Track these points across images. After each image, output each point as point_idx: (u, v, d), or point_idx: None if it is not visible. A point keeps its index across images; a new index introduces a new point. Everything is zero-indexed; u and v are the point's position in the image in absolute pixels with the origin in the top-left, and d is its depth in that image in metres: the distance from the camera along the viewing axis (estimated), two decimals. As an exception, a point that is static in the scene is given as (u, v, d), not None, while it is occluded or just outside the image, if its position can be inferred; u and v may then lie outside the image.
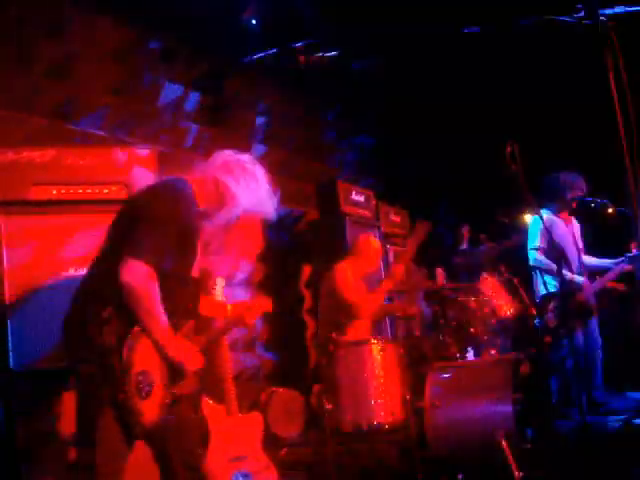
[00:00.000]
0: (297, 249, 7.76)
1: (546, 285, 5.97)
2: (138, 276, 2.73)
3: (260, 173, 3.22)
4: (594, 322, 5.98)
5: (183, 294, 3.04)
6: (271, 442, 5.16)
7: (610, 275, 5.89)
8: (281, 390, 6.36)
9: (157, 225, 2.82)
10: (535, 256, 5.98)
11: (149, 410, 2.73)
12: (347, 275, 5.43)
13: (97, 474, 2.75)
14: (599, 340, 6.10)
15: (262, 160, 7.45)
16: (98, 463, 2.75)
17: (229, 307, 3.65)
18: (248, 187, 3.10)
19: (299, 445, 5.89)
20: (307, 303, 7.65)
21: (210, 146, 6.70)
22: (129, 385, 2.64)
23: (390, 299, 5.95)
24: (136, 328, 2.73)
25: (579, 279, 5.77)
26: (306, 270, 7.76)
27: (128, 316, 2.73)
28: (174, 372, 2.88)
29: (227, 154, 3.21)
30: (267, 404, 6.08)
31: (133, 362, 2.68)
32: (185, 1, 5.47)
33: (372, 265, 5.68)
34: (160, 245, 2.81)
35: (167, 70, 6.26)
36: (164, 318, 2.80)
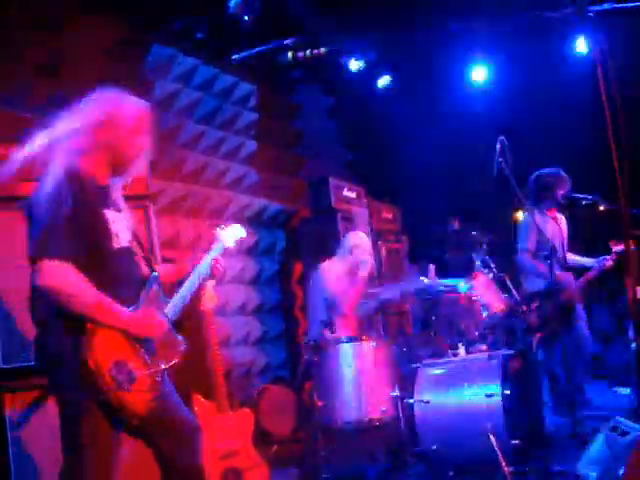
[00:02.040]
0: (289, 246, 7.77)
1: (529, 284, 6.00)
2: (50, 275, 2.58)
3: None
4: (581, 319, 6.00)
5: (125, 267, 2.88)
6: (262, 439, 5.17)
7: (593, 272, 5.93)
8: (272, 387, 6.38)
9: (45, 220, 2.65)
10: (522, 258, 5.98)
11: (140, 398, 2.66)
12: (331, 271, 5.45)
13: (88, 478, 2.69)
14: (587, 337, 6.13)
15: (254, 157, 7.53)
16: (88, 467, 2.67)
17: (189, 263, 3.42)
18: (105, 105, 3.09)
19: (290, 442, 5.90)
20: (299, 300, 7.66)
21: (201, 143, 6.72)
22: (106, 384, 2.57)
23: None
24: (87, 325, 2.62)
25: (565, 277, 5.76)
26: (298, 267, 7.77)
27: (72, 318, 2.62)
28: (150, 347, 2.78)
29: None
30: (258, 401, 6.09)
31: (99, 360, 2.59)
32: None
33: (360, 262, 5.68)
34: (55, 237, 2.62)
35: (159, 67, 6.26)
36: (108, 301, 2.67)
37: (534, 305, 5.30)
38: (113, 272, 2.80)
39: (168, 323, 2.92)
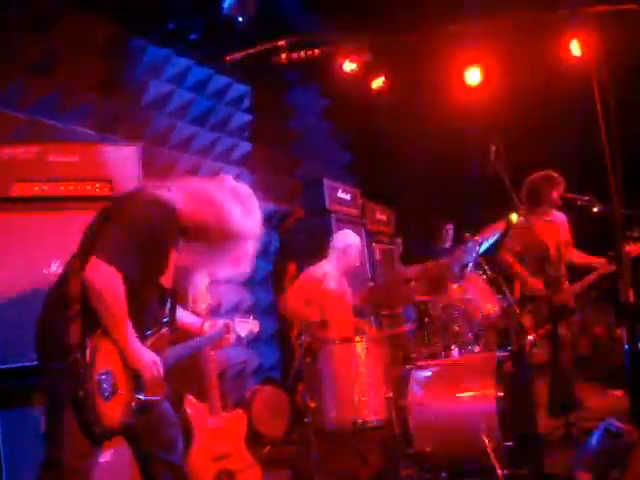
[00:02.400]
0: (283, 247, 7.76)
1: (524, 287, 5.99)
2: (101, 275, 2.71)
3: (256, 205, 3.23)
4: (570, 322, 6.01)
5: (154, 303, 3.04)
6: (255, 440, 5.16)
7: (591, 277, 5.89)
8: (266, 388, 6.37)
9: (125, 228, 2.84)
10: (505, 260, 5.94)
11: (111, 411, 2.71)
12: (325, 272, 5.47)
13: (65, 472, 2.74)
14: (575, 340, 6.14)
15: (248, 158, 7.52)
16: (66, 462, 2.74)
17: (207, 325, 3.63)
18: (247, 216, 3.12)
19: (283, 443, 5.90)
20: (293, 301, 7.64)
21: (195, 144, 6.71)
22: (90, 383, 2.62)
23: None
24: (99, 330, 2.74)
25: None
26: (292, 268, 7.76)
27: (95, 315, 2.72)
28: (137, 379, 2.87)
29: (230, 180, 3.24)
30: (251, 402, 6.08)
31: (96, 361, 2.67)
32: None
33: (353, 261, 5.69)
34: (125, 248, 2.81)
35: (152, 67, 6.26)
36: (127, 321, 2.79)
37: (528, 307, 5.31)
38: (145, 301, 2.96)
39: (163, 366, 2.98)
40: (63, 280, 2.86)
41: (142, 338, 2.91)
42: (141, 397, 2.87)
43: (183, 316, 3.52)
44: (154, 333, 3.02)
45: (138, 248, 2.84)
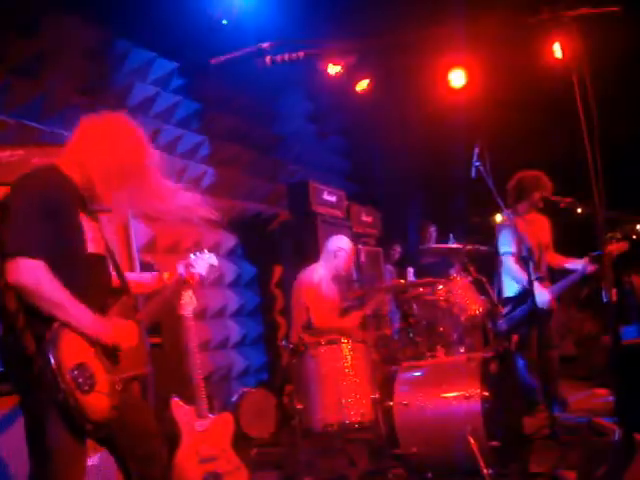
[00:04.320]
0: (268, 249, 7.77)
1: (504, 288, 6.03)
2: (24, 273, 2.59)
3: (128, 124, 3.02)
4: (552, 324, 6.05)
5: (96, 275, 2.90)
6: (242, 442, 5.16)
7: (571, 279, 5.94)
8: (252, 390, 6.36)
9: (19, 215, 2.66)
10: (508, 262, 5.98)
11: (97, 402, 2.63)
12: (317, 276, 5.51)
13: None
14: (557, 340, 6.20)
15: (233, 160, 7.53)
16: (55, 470, 2.65)
17: (166, 275, 3.51)
18: (112, 146, 2.92)
19: (270, 445, 5.89)
20: (278, 303, 7.66)
21: (181, 146, 6.71)
22: (65, 383, 2.54)
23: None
24: (54, 325, 2.62)
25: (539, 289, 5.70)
26: (277, 270, 7.77)
27: (41, 316, 2.61)
28: (113, 356, 2.77)
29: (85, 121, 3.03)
30: (238, 404, 6.07)
31: (61, 359, 2.56)
32: (153, 1, 5.46)
33: (343, 266, 5.72)
34: (29, 234, 2.64)
35: (137, 70, 6.25)
36: (73, 302, 2.66)
37: (504, 310, 5.34)
38: (84, 275, 2.80)
39: (140, 332, 2.92)
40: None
41: (103, 312, 2.81)
42: (123, 376, 2.78)
43: (137, 277, 3.41)
44: (114, 303, 2.90)
45: (40, 227, 2.66)
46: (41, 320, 2.61)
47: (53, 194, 2.76)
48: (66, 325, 2.64)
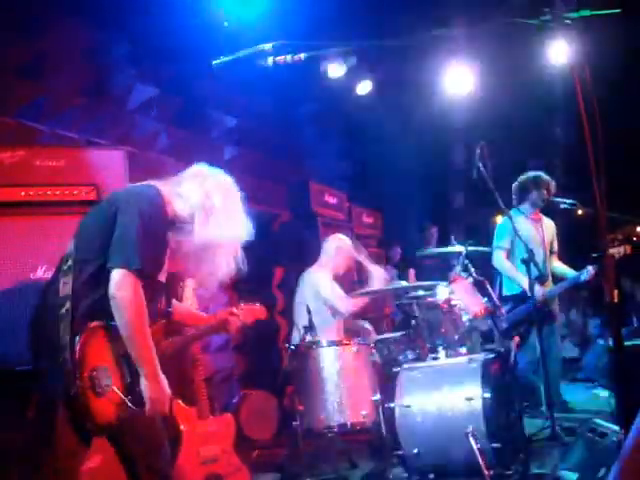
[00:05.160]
0: (269, 251, 7.76)
1: (503, 287, 6.05)
2: (132, 291, 2.67)
3: (239, 197, 3.19)
4: (553, 324, 6.06)
5: (154, 297, 2.96)
6: (243, 444, 5.16)
7: (566, 283, 5.96)
8: (254, 392, 6.37)
9: (134, 228, 2.73)
10: (497, 257, 6.02)
11: (104, 408, 2.65)
12: (319, 276, 5.52)
13: (53, 471, 2.72)
14: (558, 341, 6.20)
15: (234, 162, 7.52)
16: (54, 460, 2.71)
17: (204, 315, 3.64)
18: (232, 214, 3.08)
19: (271, 446, 5.89)
20: (279, 305, 7.65)
21: (181, 148, 6.70)
22: (82, 380, 2.57)
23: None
24: (94, 323, 2.67)
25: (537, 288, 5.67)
26: (278, 272, 7.76)
27: (86, 311, 2.68)
28: (130, 370, 2.79)
29: (209, 170, 3.19)
30: (240, 406, 6.07)
31: (87, 357, 2.61)
32: (154, 3, 5.46)
33: (343, 264, 5.73)
34: (145, 250, 2.72)
35: (137, 72, 6.25)
36: (152, 345, 2.74)
37: (504, 309, 5.34)
38: (149, 297, 2.83)
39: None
40: (54, 281, 2.80)
41: None
42: (133, 399, 2.77)
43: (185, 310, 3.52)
44: (151, 325, 2.92)
45: (149, 246, 2.75)
46: (83, 315, 2.68)
47: (159, 220, 2.84)
48: (103, 327, 2.69)
